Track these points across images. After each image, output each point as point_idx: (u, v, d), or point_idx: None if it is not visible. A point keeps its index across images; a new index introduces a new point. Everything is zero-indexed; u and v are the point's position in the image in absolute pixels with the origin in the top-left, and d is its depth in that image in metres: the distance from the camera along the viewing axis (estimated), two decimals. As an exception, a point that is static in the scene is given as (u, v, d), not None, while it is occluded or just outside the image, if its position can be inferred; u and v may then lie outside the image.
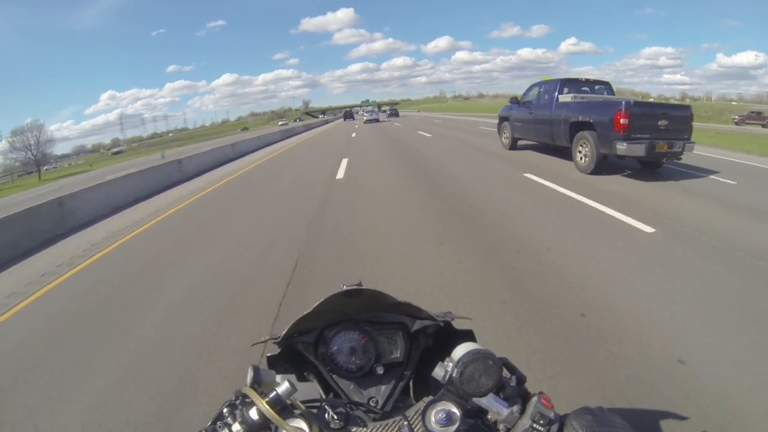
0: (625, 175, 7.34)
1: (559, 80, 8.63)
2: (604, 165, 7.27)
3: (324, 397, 0.97)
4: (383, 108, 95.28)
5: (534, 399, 0.73)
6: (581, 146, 7.40)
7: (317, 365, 1.00)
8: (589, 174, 7.22)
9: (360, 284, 0.97)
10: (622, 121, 6.42)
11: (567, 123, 7.79)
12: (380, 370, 0.99)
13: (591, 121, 7.12)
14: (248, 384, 0.73)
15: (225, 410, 0.73)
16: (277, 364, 1.01)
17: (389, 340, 1.01)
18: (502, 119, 11.20)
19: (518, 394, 0.77)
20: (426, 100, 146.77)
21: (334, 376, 0.99)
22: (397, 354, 1.00)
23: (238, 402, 0.73)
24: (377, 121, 39.70)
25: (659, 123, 6.74)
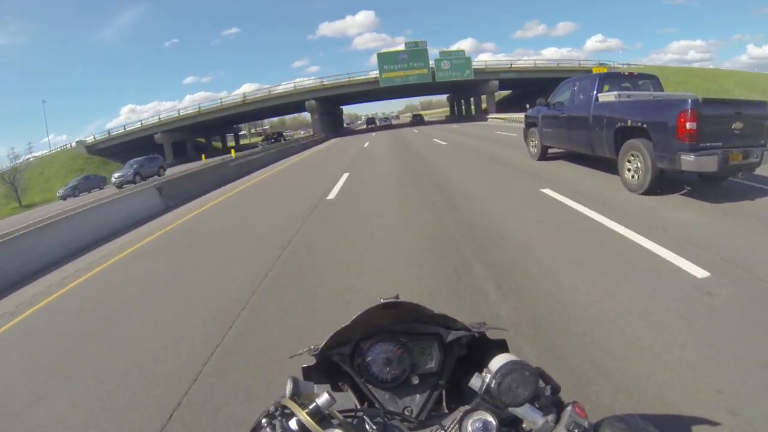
0: (683, 194, 5.81)
1: (597, 75, 7.11)
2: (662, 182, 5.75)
3: (359, 407, 0.98)
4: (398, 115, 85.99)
5: (568, 408, 0.74)
6: (631, 158, 5.89)
7: (353, 376, 1.02)
8: (641, 194, 5.71)
9: (397, 297, 1.03)
10: (688, 125, 4.90)
11: (611, 128, 6.26)
12: (415, 380, 1.01)
13: (644, 125, 5.59)
14: (287, 395, 0.78)
15: (263, 420, 0.75)
16: (312, 374, 1.03)
17: (424, 350, 1.02)
18: (529, 124, 9.70)
19: (553, 404, 0.77)
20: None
21: (370, 386, 1.00)
22: (432, 364, 1.02)
23: (277, 413, 0.75)
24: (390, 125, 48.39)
25: (733, 126, 5.20)
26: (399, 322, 1.03)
